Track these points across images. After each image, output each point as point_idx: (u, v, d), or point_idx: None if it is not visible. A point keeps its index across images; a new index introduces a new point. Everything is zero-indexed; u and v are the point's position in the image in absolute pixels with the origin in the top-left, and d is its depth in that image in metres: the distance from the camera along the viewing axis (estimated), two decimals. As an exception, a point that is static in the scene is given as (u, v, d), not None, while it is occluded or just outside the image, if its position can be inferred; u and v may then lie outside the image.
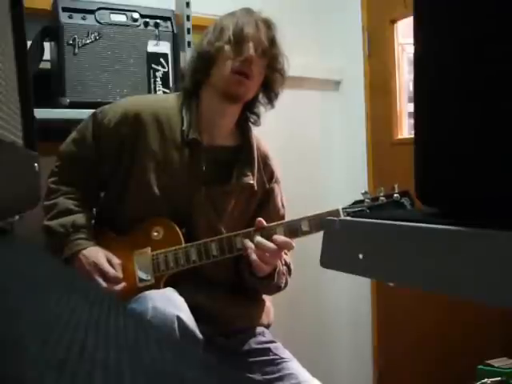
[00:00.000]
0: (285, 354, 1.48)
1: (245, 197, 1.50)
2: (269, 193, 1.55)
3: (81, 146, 1.46)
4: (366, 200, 1.44)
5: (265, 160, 1.56)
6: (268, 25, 1.47)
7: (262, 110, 1.57)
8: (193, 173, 1.44)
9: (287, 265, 1.54)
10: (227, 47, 1.42)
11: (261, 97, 1.54)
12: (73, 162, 1.47)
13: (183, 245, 1.41)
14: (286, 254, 1.54)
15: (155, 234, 1.42)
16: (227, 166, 1.49)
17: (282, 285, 1.51)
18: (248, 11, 1.48)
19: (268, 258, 1.39)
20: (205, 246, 1.40)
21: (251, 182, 1.49)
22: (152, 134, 1.43)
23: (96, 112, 1.48)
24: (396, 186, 1.45)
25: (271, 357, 1.47)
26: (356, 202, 1.45)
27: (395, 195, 1.43)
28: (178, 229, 1.42)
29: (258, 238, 1.39)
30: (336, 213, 1.42)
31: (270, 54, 1.46)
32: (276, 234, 1.40)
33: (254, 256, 1.37)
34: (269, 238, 1.39)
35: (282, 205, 1.59)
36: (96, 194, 1.52)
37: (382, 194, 1.45)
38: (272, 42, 1.46)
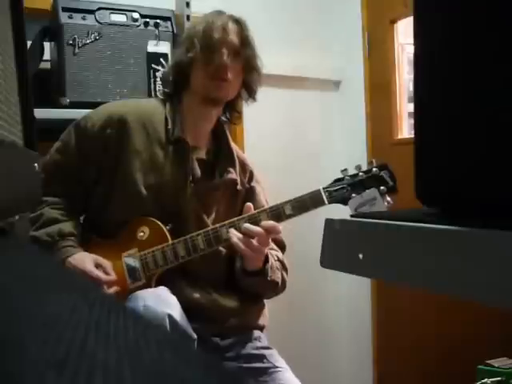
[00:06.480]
0: (279, 362, 1.48)
1: (229, 194, 1.52)
2: (251, 191, 1.57)
3: (64, 153, 1.45)
4: (346, 177, 1.42)
5: (243, 162, 1.58)
6: (239, 25, 1.46)
7: (245, 106, 1.58)
8: (179, 170, 1.45)
9: (280, 261, 1.53)
10: (199, 56, 1.43)
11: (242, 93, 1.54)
12: (57, 171, 1.45)
13: (170, 242, 1.41)
14: (276, 250, 1.54)
15: (141, 234, 1.42)
16: (209, 166, 1.51)
17: (279, 280, 1.49)
18: (218, 13, 1.47)
19: (256, 246, 1.37)
20: (192, 241, 1.40)
21: (234, 177, 1.51)
22: (137, 135, 1.44)
23: (78, 120, 1.47)
24: (374, 160, 1.43)
25: (265, 364, 1.46)
26: (336, 181, 1.43)
27: (374, 169, 1.41)
28: (163, 226, 1.42)
29: (245, 224, 1.38)
30: (317, 193, 1.41)
31: (244, 56, 1.46)
32: (261, 220, 1.39)
33: (241, 246, 1.36)
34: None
35: (266, 201, 1.59)
36: (82, 202, 1.49)
37: (361, 170, 1.42)
38: (244, 42, 1.46)
